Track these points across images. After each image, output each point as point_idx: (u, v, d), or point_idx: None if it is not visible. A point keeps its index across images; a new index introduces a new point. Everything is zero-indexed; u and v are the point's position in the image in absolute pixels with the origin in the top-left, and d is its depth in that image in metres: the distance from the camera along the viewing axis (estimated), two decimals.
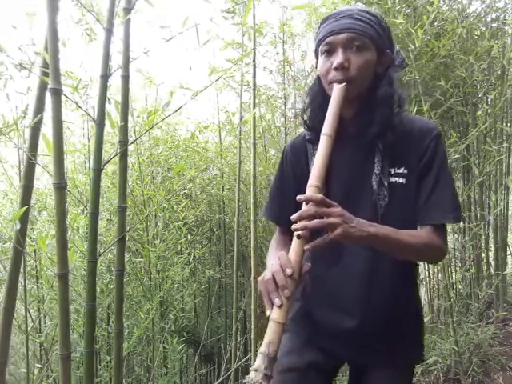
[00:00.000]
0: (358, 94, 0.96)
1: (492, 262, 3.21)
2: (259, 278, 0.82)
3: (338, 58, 0.93)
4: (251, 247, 2.37)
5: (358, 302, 1.02)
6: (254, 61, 2.39)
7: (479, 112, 2.67)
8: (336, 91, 0.93)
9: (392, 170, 0.99)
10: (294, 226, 0.80)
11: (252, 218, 2.40)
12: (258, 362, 0.70)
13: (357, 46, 0.93)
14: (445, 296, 2.62)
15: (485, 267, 3.28)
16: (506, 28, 2.92)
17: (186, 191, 3.66)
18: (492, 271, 3.20)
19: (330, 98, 0.98)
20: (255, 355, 2.28)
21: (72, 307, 2.72)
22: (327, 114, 0.92)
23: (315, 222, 0.79)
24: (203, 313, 4.15)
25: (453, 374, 2.53)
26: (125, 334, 2.88)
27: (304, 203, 0.83)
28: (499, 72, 2.93)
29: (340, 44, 0.93)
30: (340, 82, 0.93)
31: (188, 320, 3.49)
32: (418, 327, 1.12)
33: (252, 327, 2.34)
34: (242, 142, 3.53)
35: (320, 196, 0.81)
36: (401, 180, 0.99)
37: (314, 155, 1.04)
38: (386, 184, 0.98)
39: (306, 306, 1.14)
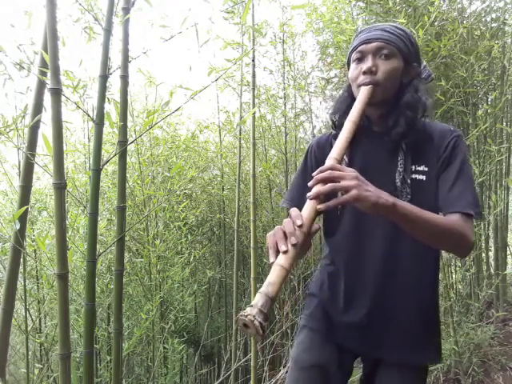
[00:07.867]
0: (382, 97, 1.03)
1: (492, 262, 3.21)
2: (268, 234, 0.81)
3: (367, 63, 1.03)
4: (251, 247, 2.37)
5: (371, 292, 1.05)
6: (253, 60, 2.39)
7: (479, 112, 2.67)
8: (362, 91, 1.02)
9: (413, 167, 1.03)
10: (308, 194, 0.82)
11: (252, 218, 2.40)
12: (256, 299, 0.69)
13: (385, 55, 1.02)
14: (445, 296, 2.61)
15: (485, 267, 3.27)
16: (506, 28, 2.92)
17: (187, 191, 3.66)
18: (492, 271, 3.19)
19: None
20: (255, 355, 2.29)
21: (72, 307, 2.72)
22: (352, 108, 1.00)
23: (328, 185, 0.80)
24: (203, 313, 4.15)
25: (453, 374, 2.53)
26: (125, 334, 2.88)
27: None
28: (499, 72, 2.93)
29: (370, 52, 1.04)
30: (367, 84, 1.02)
31: (188, 320, 3.49)
32: (434, 328, 1.11)
33: None
34: (242, 142, 3.53)
35: (331, 163, 0.83)
36: (421, 177, 1.02)
37: None
38: (408, 181, 1.02)
39: (323, 301, 1.17)
